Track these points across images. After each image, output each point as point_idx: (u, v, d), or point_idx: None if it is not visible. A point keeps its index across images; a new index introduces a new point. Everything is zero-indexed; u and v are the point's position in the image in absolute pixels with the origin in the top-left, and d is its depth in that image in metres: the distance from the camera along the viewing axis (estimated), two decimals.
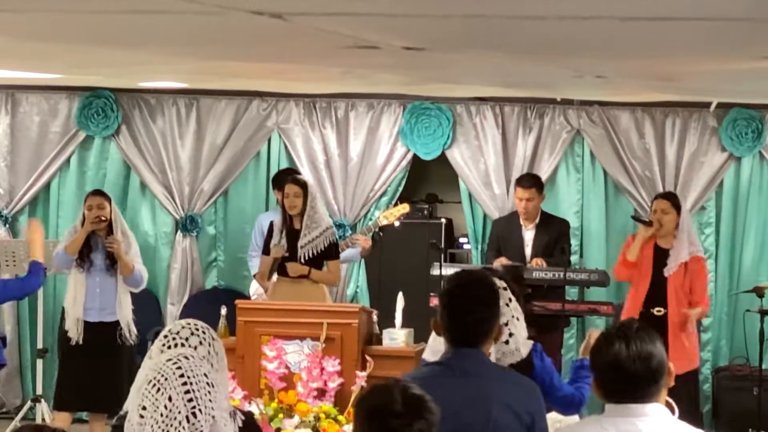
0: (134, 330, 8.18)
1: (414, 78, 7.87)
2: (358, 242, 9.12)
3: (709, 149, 9.76)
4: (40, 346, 9.09)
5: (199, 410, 3.15)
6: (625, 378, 3.34)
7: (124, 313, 8.19)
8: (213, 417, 3.17)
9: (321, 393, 7.44)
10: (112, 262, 8.20)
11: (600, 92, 8.99)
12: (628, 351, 3.33)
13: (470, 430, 3.85)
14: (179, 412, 3.13)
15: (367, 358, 7.52)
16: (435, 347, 4.70)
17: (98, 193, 8.42)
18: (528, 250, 9.02)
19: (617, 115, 9.83)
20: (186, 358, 3.22)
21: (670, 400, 3.62)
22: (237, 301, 8.10)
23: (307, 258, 8.25)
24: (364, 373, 7.39)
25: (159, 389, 3.15)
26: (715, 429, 9.45)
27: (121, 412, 3.65)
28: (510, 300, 4.50)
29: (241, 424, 3.53)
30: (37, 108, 10.26)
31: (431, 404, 3.29)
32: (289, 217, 8.35)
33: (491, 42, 5.33)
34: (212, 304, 8.69)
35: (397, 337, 7.80)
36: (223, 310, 7.99)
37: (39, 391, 8.91)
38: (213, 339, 3.62)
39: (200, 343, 3.57)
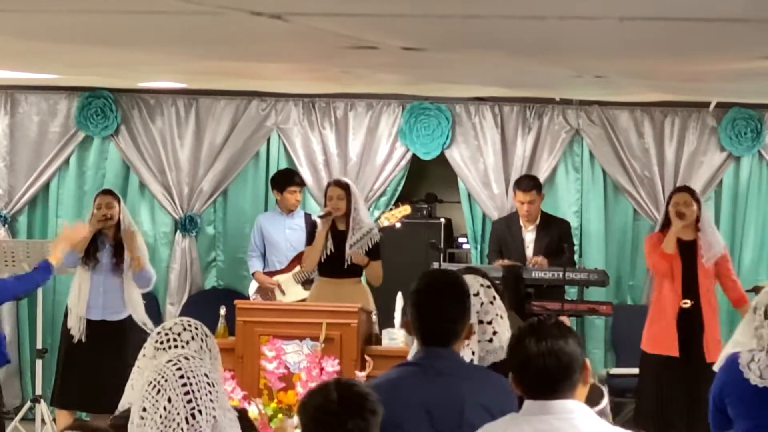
0: (150, 324, 8.16)
1: (413, 78, 7.86)
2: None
3: (708, 149, 9.76)
4: (39, 346, 9.08)
5: (199, 411, 3.16)
6: (535, 374, 3.31)
7: (138, 310, 8.22)
8: (214, 417, 3.17)
9: None
10: (119, 261, 8.22)
11: (599, 92, 8.98)
12: (537, 347, 3.30)
13: (443, 430, 3.85)
14: (178, 414, 3.14)
15: (367, 358, 7.51)
16: None
17: (108, 192, 8.53)
18: (529, 252, 9.00)
19: (616, 114, 9.83)
20: (186, 358, 3.24)
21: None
22: (236, 301, 8.11)
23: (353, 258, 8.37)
24: (363, 373, 7.38)
25: (159, 390, 3.16)
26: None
27: (117, 413, 3.66)
28: (494, 298, 4.47)
29: None
30: (36, 108, 10.25)
31: (373, 404, 3.31)
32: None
33: (491, 42, 5.32)
34: (211, 304, 8.68)
35: (396, 337, 7.81)
36: (222, 310, 8.00)
37: (38, 391, 8.91)
38: (206, 335, 3.67)
39: (192, 338, 3.62)
